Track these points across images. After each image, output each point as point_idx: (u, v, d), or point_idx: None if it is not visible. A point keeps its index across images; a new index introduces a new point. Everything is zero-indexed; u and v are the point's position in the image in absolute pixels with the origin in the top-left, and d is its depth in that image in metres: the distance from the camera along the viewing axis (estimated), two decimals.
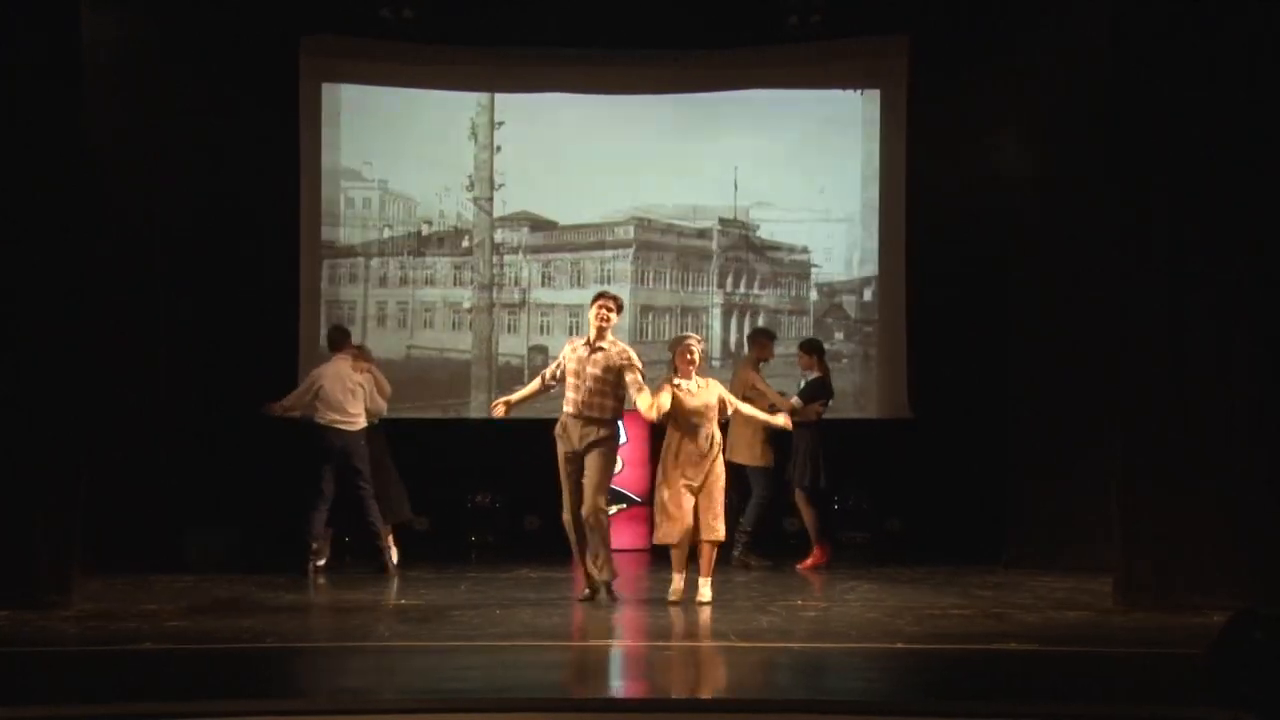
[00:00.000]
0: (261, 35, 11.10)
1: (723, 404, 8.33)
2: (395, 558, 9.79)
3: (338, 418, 9.54)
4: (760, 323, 11.85)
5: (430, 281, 12.08)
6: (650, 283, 12.16)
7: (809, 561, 10.03)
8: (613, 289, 11.89)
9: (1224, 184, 7.73)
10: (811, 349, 10.38)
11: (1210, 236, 7.74)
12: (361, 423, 9.59)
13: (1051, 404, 9.84)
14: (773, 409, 9.45)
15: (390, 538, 9.86)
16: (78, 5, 7.92)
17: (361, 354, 9.94)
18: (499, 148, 12.06)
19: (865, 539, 11.53)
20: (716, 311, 12.17)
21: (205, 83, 10.57)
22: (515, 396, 8.60)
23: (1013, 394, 10.25)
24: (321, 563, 9.69)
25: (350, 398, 9.56)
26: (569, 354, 8.31)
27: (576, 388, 8.18)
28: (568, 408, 8.22)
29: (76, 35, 7.88)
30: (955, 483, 11.12)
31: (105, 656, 6.49)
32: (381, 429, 9.96)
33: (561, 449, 8.22)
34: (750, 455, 10.03)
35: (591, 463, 8.11)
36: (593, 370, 8.16)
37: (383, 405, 9.82)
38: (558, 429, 8.28)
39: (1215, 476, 7.65)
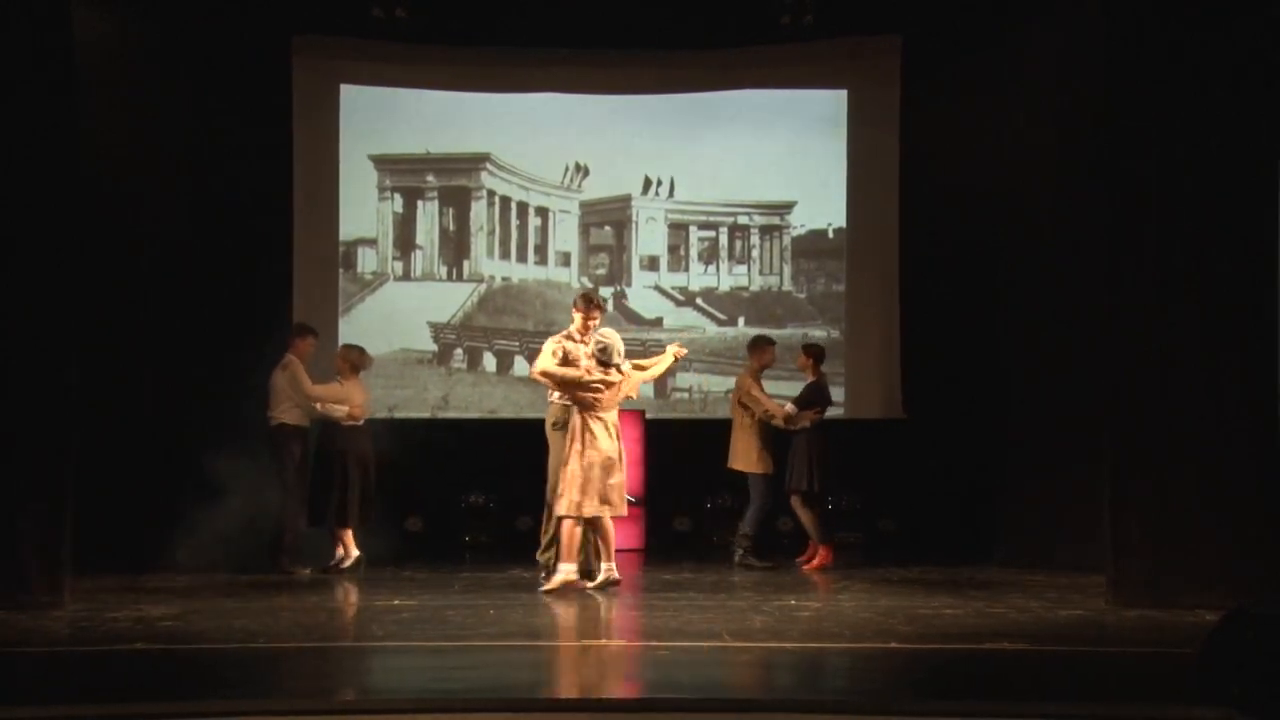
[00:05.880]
0: (254, 35, 11.08)
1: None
2: (347, 564, 9.59)
3: (268, 414, 9.67)
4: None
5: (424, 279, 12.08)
6: None
7: (815, 562, 9.99)
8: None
9: (1217, 184, 7.74)
10: (809, 353, 10.42)
11: (1202, 237, 7.75)
12: (280, 419, 9.58)
13: (1044, 403, 9.86)
14: (768, 415, 9.95)
15: (343, 540, 9.71)
16: (69, 4, 7.90)
17: (349, 355, 9.86)
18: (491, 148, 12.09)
19: (859, 539, 11.55)
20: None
21: (198, 82, 10.56)
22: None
23: (1006, 394, 10.25)
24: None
25: (271, 396, 9.62)
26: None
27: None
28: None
29: (69, 34, 7.85)
30: (948, 482, 11.13)
31: (97, 656, 6.48)
32: (359, 430, 9.73)
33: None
34: (747, 462, 10.05)
35: None
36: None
37: (311, 405, 9.61)
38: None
39: (1209, 476, 7.65)
